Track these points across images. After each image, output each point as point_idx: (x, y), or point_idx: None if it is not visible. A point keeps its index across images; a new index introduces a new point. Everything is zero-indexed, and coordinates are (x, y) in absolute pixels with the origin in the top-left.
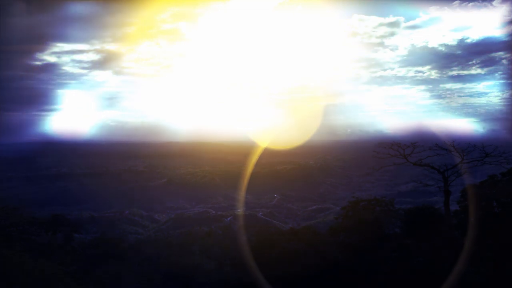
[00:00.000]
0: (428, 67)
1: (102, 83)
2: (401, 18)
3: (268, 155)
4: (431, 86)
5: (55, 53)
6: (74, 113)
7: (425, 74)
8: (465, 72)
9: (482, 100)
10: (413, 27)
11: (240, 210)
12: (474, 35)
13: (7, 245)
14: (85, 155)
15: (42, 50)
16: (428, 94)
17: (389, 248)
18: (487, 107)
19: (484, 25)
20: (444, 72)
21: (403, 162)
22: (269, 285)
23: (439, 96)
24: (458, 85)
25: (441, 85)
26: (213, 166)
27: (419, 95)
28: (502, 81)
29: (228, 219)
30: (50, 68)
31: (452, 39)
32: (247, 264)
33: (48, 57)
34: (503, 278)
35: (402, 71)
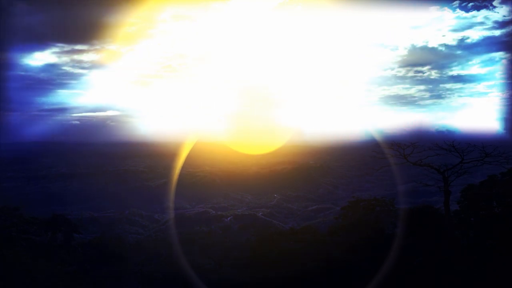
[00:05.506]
0: (428, 67)
1: (102, 83)
2: (401, 18)
3: (269, 155)
4: (431, 86)
5: (55, 53)
6: (74, 113)
7: (425, 74)
8: (465, 72)
9: (482, 100)
10: (413, 27)
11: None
12: (474, 35)
13: (7, 245)
14: (85, 155)
15: (42, 50)
16: (428, 94)
17: (389, 248)
18: (487, 107)
19: (484, 25)
20: (444, 72)
21: (403, 162)
22: (269, 285)
23: (439, 96)
24: (458, 85)
25: (441, 85)
26: (213, 166)
27: (419, 95)
28: (502, 81)
29: (228, 219)
30: (50, 68)
31: (452, 39)
32: (247, 264)
33: (48, 57)
34: (504, 277)
35: (402, 71)
